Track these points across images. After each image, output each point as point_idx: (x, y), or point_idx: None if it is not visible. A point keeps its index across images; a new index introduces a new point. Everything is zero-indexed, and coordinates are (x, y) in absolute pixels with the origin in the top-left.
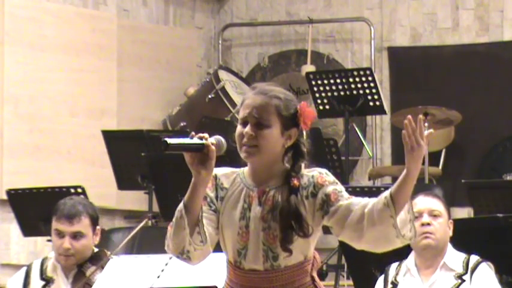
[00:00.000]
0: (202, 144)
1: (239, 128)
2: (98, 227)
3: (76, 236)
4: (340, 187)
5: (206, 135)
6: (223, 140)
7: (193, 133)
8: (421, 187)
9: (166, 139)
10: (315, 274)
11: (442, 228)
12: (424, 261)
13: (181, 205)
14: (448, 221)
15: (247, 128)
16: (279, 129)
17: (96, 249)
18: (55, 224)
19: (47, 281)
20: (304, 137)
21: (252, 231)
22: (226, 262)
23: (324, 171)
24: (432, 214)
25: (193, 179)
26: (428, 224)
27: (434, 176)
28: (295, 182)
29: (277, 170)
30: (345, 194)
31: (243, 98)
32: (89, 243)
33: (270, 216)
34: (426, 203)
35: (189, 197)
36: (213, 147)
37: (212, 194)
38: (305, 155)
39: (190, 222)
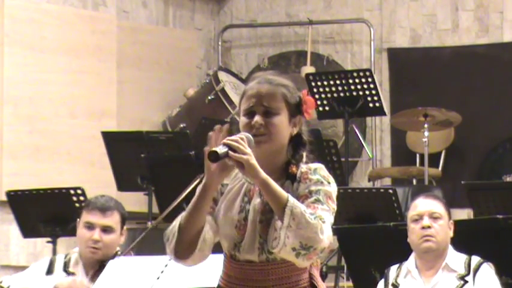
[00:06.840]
0: (227, 152)
1: (244, 119)
2: (125, 227)
3: (106, 230)
4: (316, 190)
5: (232, 141)
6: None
7: (225, 140)
8: (421, 188)
9: (215, 150)
10: (314, 272)
11: (442, 230)
12: (425, 263)
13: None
14: (449, 222)
15: (257, 117)
16: (287, 117)
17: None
18: (86, 217)
19: (69, 274)
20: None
21: (250, 222)
22: (223, 255)
23: (315, 166)
24: (433, 216)
25: (203, 185)
26: (429, 227)
27: (434, 177)
28: (293, 169)
29: (279, 163)
30: (316, 199)
31: (244, 89)
32: (117, 239)
33: (268, 209)
34: (427, 205)
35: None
36: (237, 159)
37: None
38: (306, 144)
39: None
